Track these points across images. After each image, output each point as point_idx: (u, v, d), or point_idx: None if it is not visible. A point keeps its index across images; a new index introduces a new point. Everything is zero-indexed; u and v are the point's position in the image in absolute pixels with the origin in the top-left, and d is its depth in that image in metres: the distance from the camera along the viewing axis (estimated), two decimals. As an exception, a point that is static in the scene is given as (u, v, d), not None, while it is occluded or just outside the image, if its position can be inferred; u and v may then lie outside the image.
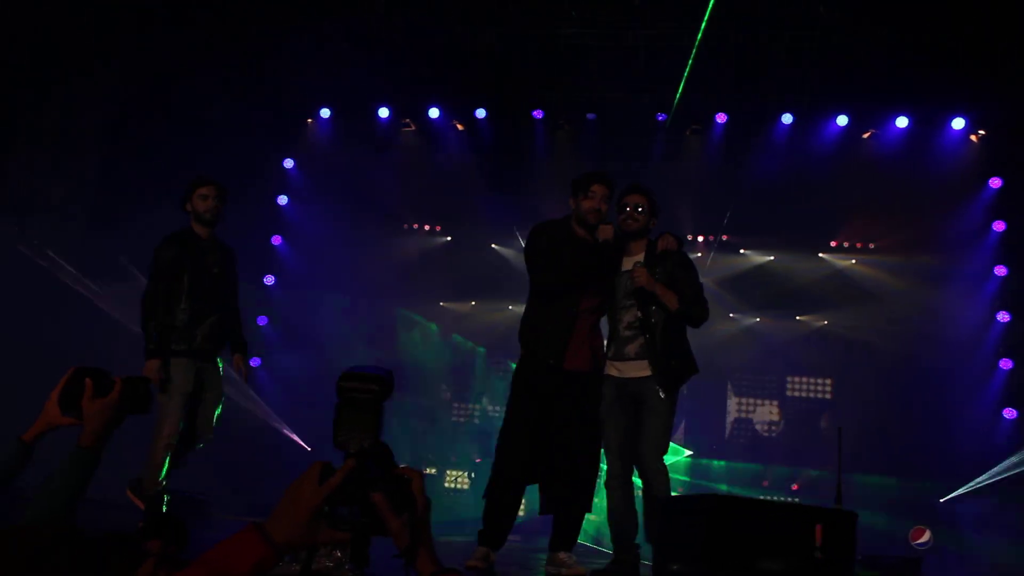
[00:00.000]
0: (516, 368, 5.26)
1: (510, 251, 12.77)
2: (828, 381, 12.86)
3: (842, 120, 10.83)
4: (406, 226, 13.13)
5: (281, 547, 1.57)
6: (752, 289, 12.55)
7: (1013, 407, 10.36)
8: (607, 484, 5.04)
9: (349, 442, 1.61)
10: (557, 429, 5.02)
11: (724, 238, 12.21)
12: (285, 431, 11.16)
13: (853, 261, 12.50)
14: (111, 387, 2.35)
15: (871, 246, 12.34)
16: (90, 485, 2.31)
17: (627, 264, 5.14)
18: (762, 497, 7.96)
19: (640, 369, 4.97)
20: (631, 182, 5.31)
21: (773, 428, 13.01)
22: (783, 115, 10.88)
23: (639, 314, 4.97)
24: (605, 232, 5.06)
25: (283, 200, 12.00)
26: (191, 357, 5.58)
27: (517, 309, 12.83)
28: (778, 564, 3.30)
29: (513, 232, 12.36)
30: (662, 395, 4.86)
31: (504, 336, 14.25)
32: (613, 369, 5.09)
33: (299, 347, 11.26)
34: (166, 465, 5.47)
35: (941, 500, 10.06)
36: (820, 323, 12.90)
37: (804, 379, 13.02)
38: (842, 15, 9.57)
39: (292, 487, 1.58)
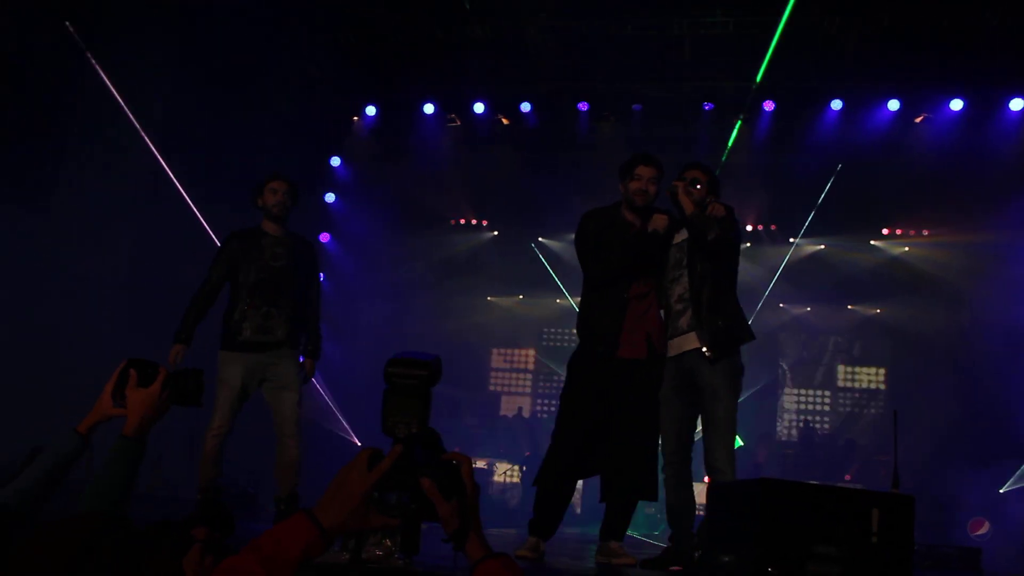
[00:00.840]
0: (571, 357, 5.22)
1: (557, 244, 12.78)
2: (882, 371, 12.69)
3: (893, 105, 10.55)
4: (452, 221, 13.18)
5: (330, 532, 1.57)
6: (803, 278, 12.41)
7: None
8: (662, 470, 4.93)
9: (397, 428, 1.61)
10: (611, 418, 4.95)
11: (773, 228, 12.14)
12: (335, 426, 11.24)
13: (907, 248, 12.37)
14: (155, 377, 2.39)
15: (925, 233, 12.16)
16: (137, 475, 2.35)
17: (677, 239, 5.05)
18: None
19: (692, 341, 4.82)
20: (692, 160, 5.25)
21: (825, 418, 12.78)
22: (832, 101, 10.66)
23: (688, 282, 4.89)
24: (657, 223, 5.01)
25: (330, 198, 12.08)
26: (239, 351, 5.60)
27: (564, 303, 13.39)
28: (834, 550, 3.24)
29: (559, 225, 12.25)
30: (711, 359, 4.70)
31: (552, 329, 14.42)
32: (671, 348, 4.95)
33: (349, 343, 11.33)
34: (217, 458, 5.52)
35: (1001, 491, 9.83)
36: (873, 311, 12.76)
37: (857, 368, 12.81)
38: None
39: (341, 473, 1.59)
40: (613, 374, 4.97)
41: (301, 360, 5.85)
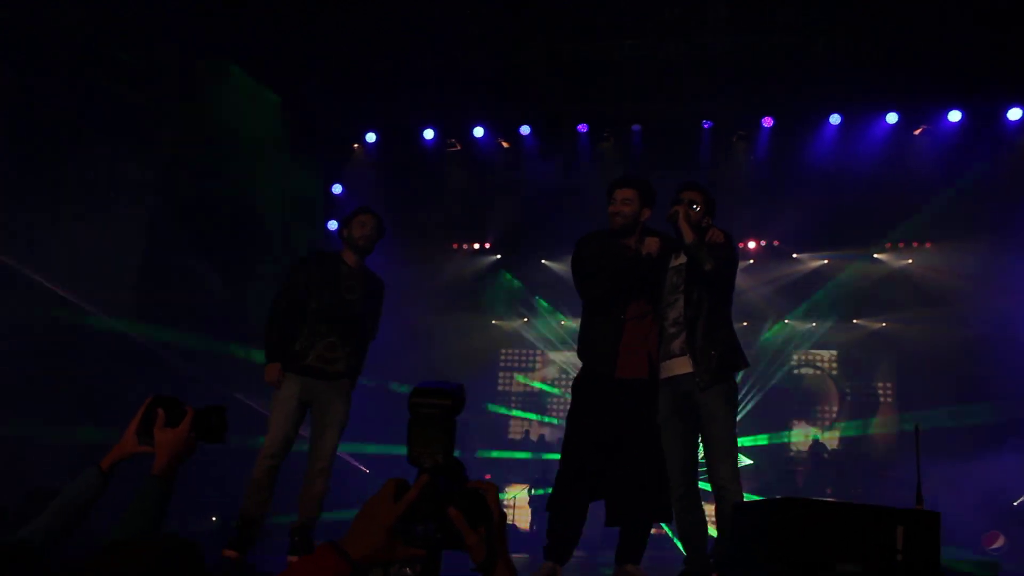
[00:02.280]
0: (575, 379, 5.26)
1: (560, 266, 12.71)
2: (889, 384, 12.67)
3: (892, 117, 10.56)
4: (455, 246, 13.14)
5: (358, 564, 1.57)
6: (806, 293, 12.40)
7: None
8: (672, 495, 4.90)
9: (422, 458, 1.62)
10: (617, 439, 4.96)
11: (776, 243, 12.04)
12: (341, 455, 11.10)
13: (910, 260, 12.35)
14: (183, 417, 2.41)
15: (928, 245, 12.14)
16: (166, 514, 2.37)
17: (675, 262, 5.06)
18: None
19: (684, 365, 4.84)
20: (688, 180, 5.24)
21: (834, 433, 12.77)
22: (831, 115, 10.67)
23: (683, 307, 4.89)
24: (649, 246, 5.04)
25: (333, 225, 11.92)
26: (300, 374, 5.54)
27: (569, 324, 13.43)
28: (858, 569, 3.22)
29: (561, 247, 11.76)
30: (701, 387, 4.72)
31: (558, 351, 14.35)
32: (664, 371, 4.96)
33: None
34: (266, 483, 5.36)
35: (1015, 503, 9.75)
36: (878, 326, 12.75)
37: (863, 383, 12.84)
38: (886, 8, 9.39)
39: (368, 504, 1.60)
40: (615, 394, 4.99)
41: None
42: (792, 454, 12.64)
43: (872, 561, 3.28)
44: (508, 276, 13.30)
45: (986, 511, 9.34)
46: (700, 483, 5.03)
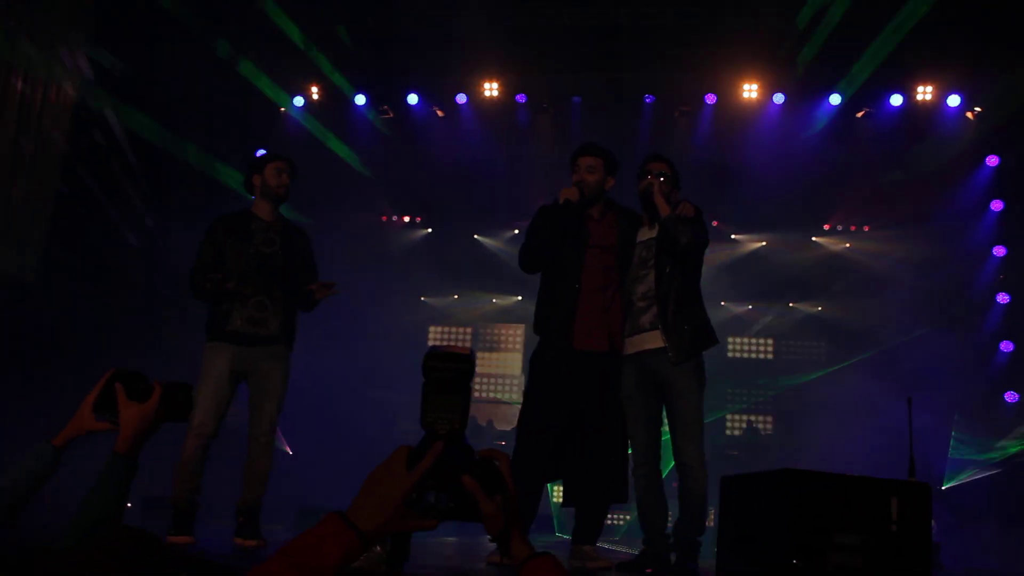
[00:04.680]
0: (532, 355, 5.22)
1: (493, 242, 12.67)
2: (821, 370, 12.73)
3: (835, 99, 10.73)
4: (384, 218, 13.05)
5: (368, 536, 1.53)
6: (744, 276, 12.53)
7: (1014, 390, 10.29)
8: (632, 472, 4.94)
9: (438, 424, 1.61)
10: (576, 415, 4.94)
11: (715, 224, 12.04)
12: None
13: (848, 245, 12.56)
14: (150, 392, 2.36)
15: (866, 229, 12.35)
16: (129, 494, 2.32)
17: (643, 236, 5.07)
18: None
19: (654, 340, 4.87)
20: (654, 151, 5.30)
21: (768, 418, 13.00)
22: (775, 95, 10.79)
23: (654, 282, 4.92)
24: (567, 193, 4.98)
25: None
26: (228, 341, 5.29)
27: (501, 302, 13.37)
28: (855, 539, 3.33)
29: (496, 222, 12.31)
30: (674, 362, 4.78)
31: (489, 327, 14.26)
32: (630, 346, 4.99)
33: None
34: (197, 464, 5.16)
35: (943, 487, 9.92)
36: (814, 309, 12.97)
37: (799, 366, 13.03)
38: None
39: (377, 473, 1.57)
40: (574, 368, 4.95)
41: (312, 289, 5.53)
42: (727, 436, 12.83)
43: (867, 532, 3.39)
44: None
45: None
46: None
